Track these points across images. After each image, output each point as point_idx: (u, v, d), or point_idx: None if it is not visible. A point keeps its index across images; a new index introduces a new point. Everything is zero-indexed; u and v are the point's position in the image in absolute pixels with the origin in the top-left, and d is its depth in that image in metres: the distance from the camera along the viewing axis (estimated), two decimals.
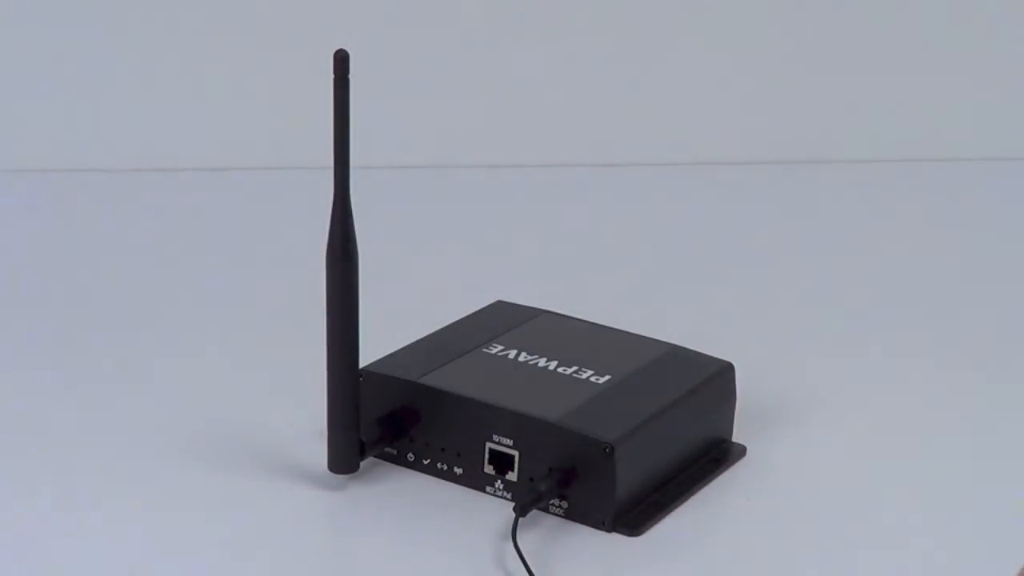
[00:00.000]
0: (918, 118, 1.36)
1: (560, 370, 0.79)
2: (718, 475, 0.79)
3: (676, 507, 0.76)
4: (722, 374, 0.81)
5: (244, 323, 0.97)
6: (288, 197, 1.23)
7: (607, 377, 0.78)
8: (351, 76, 0.69)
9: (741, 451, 0.81)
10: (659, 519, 0.74)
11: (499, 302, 0.88)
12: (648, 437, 0.75)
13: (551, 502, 0.74)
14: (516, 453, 0.74)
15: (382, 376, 0.77)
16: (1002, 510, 0.77)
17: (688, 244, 1.16)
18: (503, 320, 0.85)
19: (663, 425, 0.76)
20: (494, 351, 0.81)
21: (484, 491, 0.76)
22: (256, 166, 1.29)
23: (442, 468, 0.77)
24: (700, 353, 0.82)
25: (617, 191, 1.28)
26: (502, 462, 0.75)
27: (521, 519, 0.71)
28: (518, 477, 0.75)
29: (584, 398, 0.76)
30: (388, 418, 0.77)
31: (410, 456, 0.78)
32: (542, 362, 0.80)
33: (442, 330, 0.84)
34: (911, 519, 0.76)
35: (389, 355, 0.80)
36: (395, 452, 0.78)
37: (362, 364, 0.75)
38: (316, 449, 0.77)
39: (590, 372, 0.79)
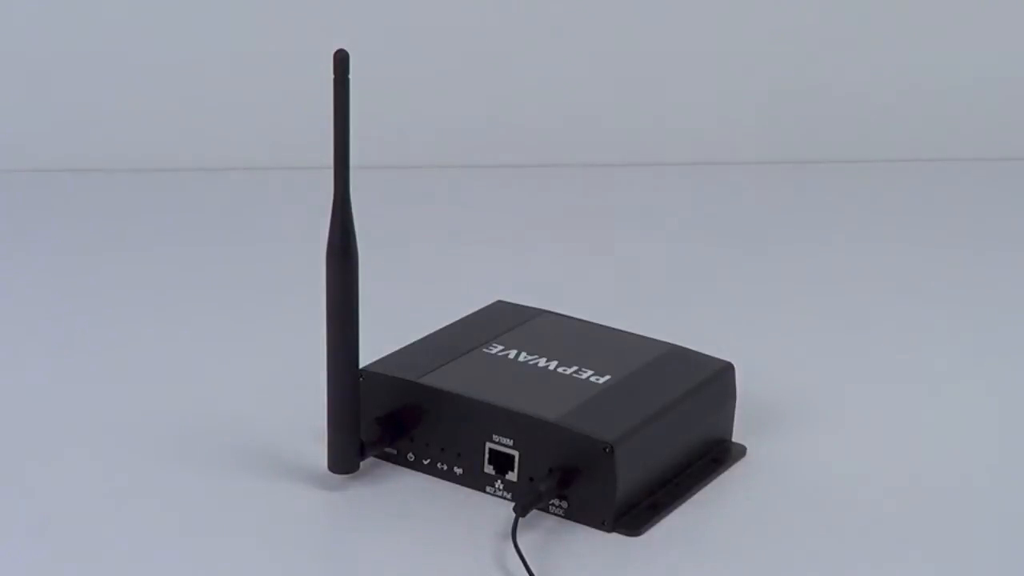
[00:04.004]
0: (918, 118, 1.36)
1: (560, 370, 0.79)
2: (718, 475, 0.79)
3: (676, 507, 0.76)
4: (722, 374, 0.81)
5: (244, 323, 0.97)
6: (288, 197, 1.23)
7: (607, 377, 0.78)
8: (351, 76, 0.69)
9: (741, 451, 0.81)
10: (659, 519, 0.74)
11: (499, 302, 0.88)
12: (648, 437, 0.75)
13: (551, 502, 0.74)
14: (516, 453, 0.74)
15: (382, 376, 0.77)
16: (1003, 510, 0.77)
17: (688, 244, 1.16)
18: (503, 320, 0.85)
19: (663, 425, 0.76)
20: (494, 351, 0.81)
21: (484, 491, 0.76)
22: (256, 166, 1.29)
23: (442, 468, 0.77)
24: (700, 353, 0.82)
25: (617, 191, 1.28)
26: (502, 462, 0.75)
27: (521, 519, 0.72)
28: (518, 477, 0.75)
29: (584, 398, 0.76)
30: (388, 418, 0.77)
31: (410, 456, 0.78)
32: (542, 362, 0.79)
33: (442, 330, 0.84)
34: (911, 519, 0.76)
35: (389, 355, 0.80)
36: (395, 452, 0.78)
37: (362, 364, 0.75)
38: (316, 449, 0.77)
39: (590, 372, 0.79)
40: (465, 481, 0.76)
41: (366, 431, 0.76)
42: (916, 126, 1.36)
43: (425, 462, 0.77)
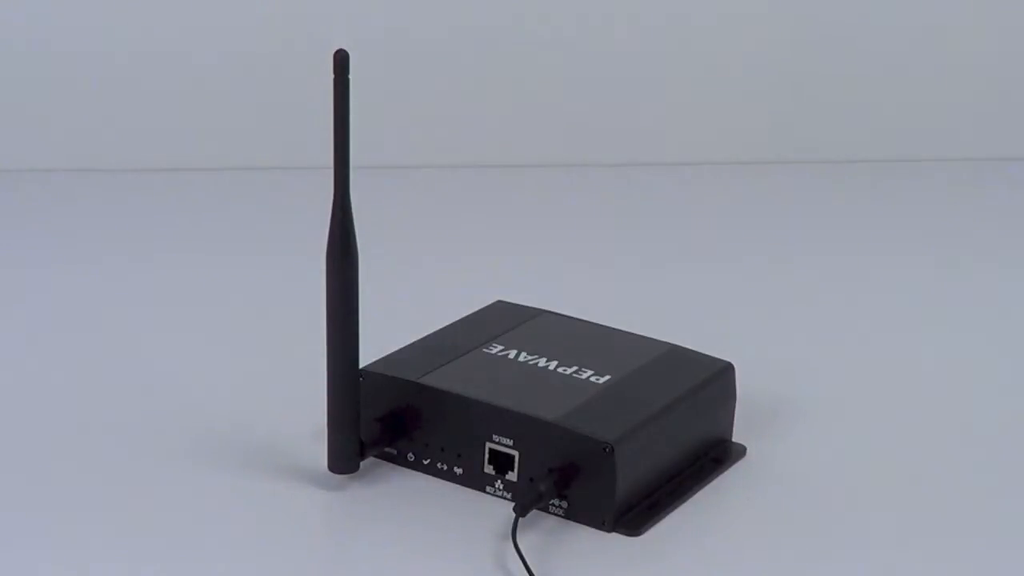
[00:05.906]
0: (918, 118, 1.36)
1: (560, 370, 0.79)
2: (718, 475, 0.79)
3: (676, 507, 0.76)
4: (722, 374, 0.81)
5: (244, 323, 0.97)
6: (288, 197, 1.23)
7: (607, 377, 0.78)
8: (351, 76, 0.69)
9: (741, 451, 0.81)
10: (659, 519, 0.74)
11: (499, 302, 0.88)
12: (648, 437, 0.75)
13: (551, 502, 0.74)
14: (516, 453, 0.74)
15: (382, 376, 0.77)
16: (1003, 510, 0.77)
17: (688, 244, 1.16)
18: (503, 320, 0.85)
19: (663, 425, 0.76)
20: (494, 351, 0.81)
21: (484, 491, 0.76)
22: (256, 166, 1.29)
23: (442, 468, 0.77)
24: (700, 353, 0.82)
25: (617, 191, 1.28)
26: (502, 462, 0.75)
27: (521, 519, 0.72)
28: (518, 477, 0.75)
29: (584, 398, 0.76)
30: (388, 418, 0.77)
31: (410, 456, 0.78)
32: (542, 362, 0.79)
33: (442, 330, 0.84)
34: (911, 519, 0.76)
35: (389, 355, 0.80)
36: (395, 452, 0.78)
37: (362, 364, 0.75)
38: (316, 449, 0.77)
39: (590, 372, 0.78)
40: (465, 481, 0.76)
41: (366, 431, 0.76)
42: (916, 126, 1.36)
43: (425, 462, 0.77)
